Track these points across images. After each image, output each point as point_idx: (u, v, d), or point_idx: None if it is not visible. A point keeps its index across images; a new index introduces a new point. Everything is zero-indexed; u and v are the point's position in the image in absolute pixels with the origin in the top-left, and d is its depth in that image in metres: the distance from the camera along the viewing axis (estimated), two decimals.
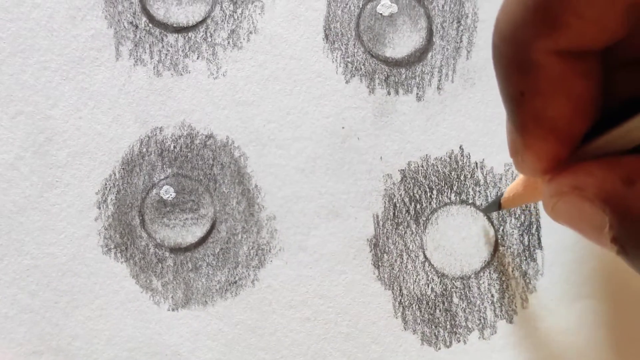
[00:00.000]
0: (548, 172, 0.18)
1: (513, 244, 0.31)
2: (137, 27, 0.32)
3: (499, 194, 0.31)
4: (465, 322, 0.31)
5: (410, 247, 0.31)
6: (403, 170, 0.32)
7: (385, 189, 0.31)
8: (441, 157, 0.32)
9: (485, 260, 0.31)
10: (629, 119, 0.16)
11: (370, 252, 0.31)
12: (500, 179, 0.32)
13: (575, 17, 0.15)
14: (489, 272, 0.31)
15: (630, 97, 0.18)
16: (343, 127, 0.32)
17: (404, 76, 0.32)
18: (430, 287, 0.31)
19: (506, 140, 0.19)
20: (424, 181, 0.32)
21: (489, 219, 0.31)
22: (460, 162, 0.32)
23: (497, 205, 0.29)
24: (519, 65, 0.17)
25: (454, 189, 0.32)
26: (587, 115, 0.17)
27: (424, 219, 0.31)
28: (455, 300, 0.31)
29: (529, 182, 0.25)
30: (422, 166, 0.32)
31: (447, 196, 0.32)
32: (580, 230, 0.18)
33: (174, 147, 0.31)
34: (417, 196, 0.32)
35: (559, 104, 0.17)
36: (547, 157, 0.18)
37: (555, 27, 0.16)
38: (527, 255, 0.31)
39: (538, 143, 0.18)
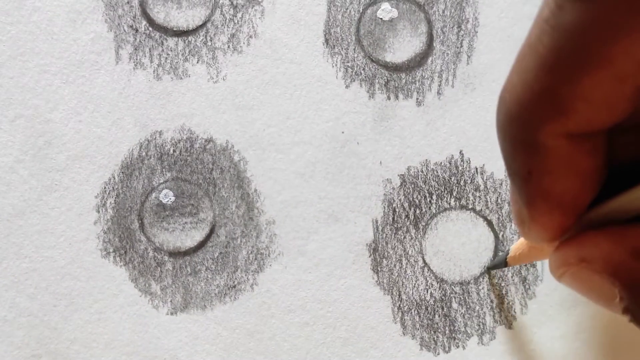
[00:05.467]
0: (553, 240, 0.19)
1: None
2: (137, 30, 0.32)
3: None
4: (465, 328, 0.31)
5: (410, 252, 0.31)
6: (403, 175, 0.32)
7: (384, 194, 0.31)
8: (441, 162, 0.32)
9: (484, 266, 0.31)
10: (631, 188, 0.16)
11: (370, 257, 0.31)
12: (501, 184, 0.32)
13: (584, 103, 0.15)
14: (489, 278, 0.31)
15: (632, 161, 0.17)
16: (343, 132, 0.32)
17: (404, 81, 0.32)
18: (429, 292, 0.31)
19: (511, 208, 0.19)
20: (423, 186, 0.32)
21: (490, 224, 0.31)
22: (460, 167, 0.32)
23: (503, 263, 0.29)
24: (526, 145, 0.17)
25: (454, 194, 0.32)
26: (593, 188, 0.17)
27: (424, 224, 0.31)
28: (455, 305, 0.31)
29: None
30: (422, 171, 0.32)
31: (446, 201, 0.32)
32: (590, 299, 0.18)
33: (174, 151, 0.31)
34: (417, 201, 0.31)
35: (567, 182, 0.17)
36: (553, 229, 0.18)
37: (563, 112, 0.15)
38: None
39: (545, 217, 0.18)
